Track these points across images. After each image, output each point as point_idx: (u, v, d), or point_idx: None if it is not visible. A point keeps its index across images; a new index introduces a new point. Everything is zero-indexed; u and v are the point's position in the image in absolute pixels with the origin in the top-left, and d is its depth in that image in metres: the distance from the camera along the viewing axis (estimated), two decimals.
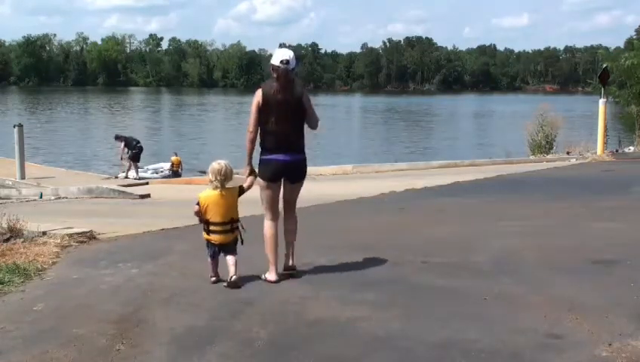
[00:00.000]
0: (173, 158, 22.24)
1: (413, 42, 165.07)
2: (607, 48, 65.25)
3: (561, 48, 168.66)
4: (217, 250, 4.66)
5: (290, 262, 4.90)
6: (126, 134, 20.94)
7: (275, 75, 4.60)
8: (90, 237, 6.26)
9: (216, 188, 4.59)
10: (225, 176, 4.57)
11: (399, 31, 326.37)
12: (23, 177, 15.84)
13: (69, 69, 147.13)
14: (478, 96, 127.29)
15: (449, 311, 3.96)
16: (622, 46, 54.89)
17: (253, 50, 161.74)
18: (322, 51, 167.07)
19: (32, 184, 15.03)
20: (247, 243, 5.14)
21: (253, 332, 3.68)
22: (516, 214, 7.64)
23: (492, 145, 28.23)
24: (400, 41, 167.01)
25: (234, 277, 4.52)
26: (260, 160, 4.71)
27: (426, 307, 4.08)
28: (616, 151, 17.26)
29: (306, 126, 4.77)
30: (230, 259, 4.59)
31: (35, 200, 12.73)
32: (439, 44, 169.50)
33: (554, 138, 19.33)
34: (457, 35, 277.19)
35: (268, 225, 4.79)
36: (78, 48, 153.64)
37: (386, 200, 9.12)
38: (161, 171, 21.71)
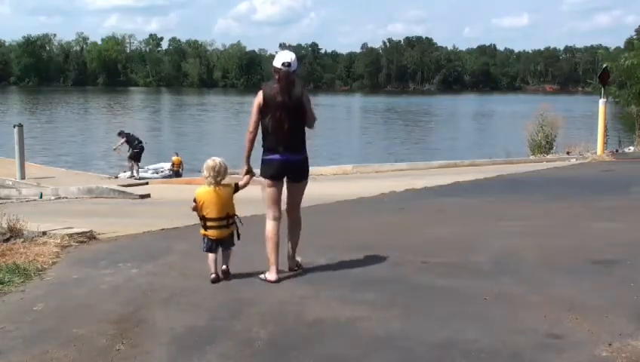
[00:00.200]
0: (174, 158, 22.27)
1: (413, 42, 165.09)
2: (607, 48, 65.30)
3: (561, 48, 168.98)
4: (214, 245, 4.76)
5: (290, 268, 4.94)
6: (130, 132, 20.91)
7: (276, 77, 4.68)
8: (90, 237, 6.26)
9: (210, 184, 4.70)
10: (218, 173, 4.67)
11: (399, 31, 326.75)
12: (23, 177, 15.84)
13: (69, 69, 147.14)
14: (478, 96, 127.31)
15: (449, 311, 3.96)
16: (622, 46, 54.90)
17: (253, 50, 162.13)
18: (322, 51, 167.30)
19: (32, 184, 15.03)
20: (247, 243, 5.15)
21: (253, 332, 3.68)
22: (516, 214, 7.64)
23: (492, 145, 28.21)
24: (400, 41, 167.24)
25: (224, 266, 4.74)
26: (262, 160, 4.79)
27: (426, 307, 4.08)
28: (616, 151, 17.27)
29: None
30: (225, 253, 4.78)
31: (35, 200, 12.72)
32: (439, 44, 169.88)
33: (554, 138, 19.34)
34: (457, 35, 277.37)
35: (269, 225, 4.84)
36: (78, 48, 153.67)
37: (386, 200, 9.12)
38: (162, 171, 21.73)
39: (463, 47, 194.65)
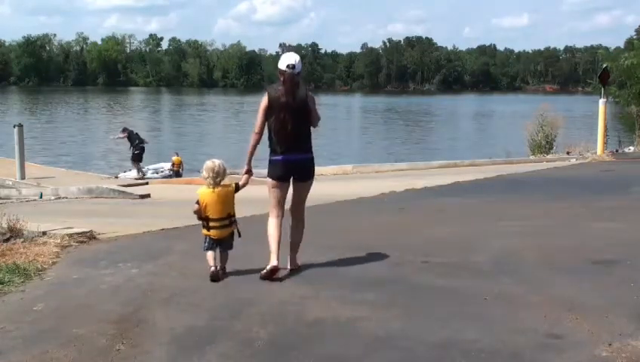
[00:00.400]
0: (174, 158, 22.28)
1: (413, 42, 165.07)
2: (607, 48, 65.29)
3: (561, 48, 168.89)
4: (215, 244, 4.86)
5: (291, 266, 4.96)
6: (134, 131, 20.89)
7: (281, 79, 4.78)
8: (90, 237, 6.26)
9: (209, 185, 4.80)
10: (217, 174, 4.78)
11: (399, 31, 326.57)
12: (23, 177, 15.83)
13: (69, 69, 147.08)
14: (478, 96, 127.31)
15: (449, 311, 3.96)
16: (622, 46, 54.90)
17: (253, 50, 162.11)
18: (322, 51, 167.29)
19: (32, 184, 15.02)
20: (247, 243, 5.18)
21: (253, 332, 3.68)
22: (516, 214, 7.64)
23: (492, 145, 28.20)
24: (400, 41, 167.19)
25: (220, 270, 4.82)
26: (269, 160, 4.90)
27: (426, 307, 4.08)
28: (616, 151, 17.27)
29: None
30: (223, 255, 4.88)
31: (35, 200, 12.72)
32: (439, 44, 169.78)
33: (554, 138, 19.34)
34: (457, 35, 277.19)
35: (271, 223, 4.92)
36: (78, 48, 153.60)
37: (386, 200, 9.12)
38: (162, 171, 21.73)
39: (463, 47, 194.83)
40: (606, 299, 4.07)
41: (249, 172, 4.95)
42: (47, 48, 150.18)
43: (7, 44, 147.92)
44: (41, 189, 13.70)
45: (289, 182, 4.90)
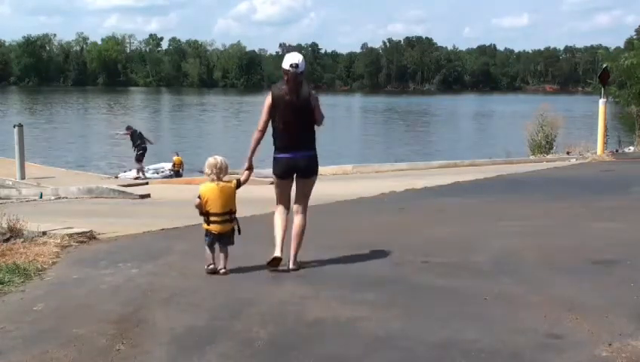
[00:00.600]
0: (175, 158, 22.33)
1: (413, 42, 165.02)
2: (607, 48, 65.33)
3: (561, 48, 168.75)
4: (215, 239, 4.92)
5: (292, 265, 4.98)
6: (138, 131, 20.92)
7: (285, 78, 4.88)
8: (90, 237, 6.26)
9: (212, 180, 4.88)
10: (220, 170, 4.87)
11: (399, 31, 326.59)
12: (23, 177, 15.83)
13: (69, 69, 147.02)
14: (478, 96, 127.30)
15: (449, 311, 3.96)
16: (622, 46, 54.92)
17: (253, 50, 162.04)
18: (322, 51, 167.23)
19: (32, 184, 15.01)
20: (247, 243, 5.19)
21: (253, 332, 3.68)
22: (516, 214, 7.64)
23: (492, 145, 28.20)
24: (400, 41, 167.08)
25: (222, 270, 4.88)
26: (273, 158, 5.02)
27: (426, 307, 4.08)
28: (616, 151, 17.27)
29: None
30: (223, 250, 4.92)
31: (35, 200, 12.71)
32: (439, 44, 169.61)
33: (554, 138, 19.33)
34: (457, 35, 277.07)
35: (277, 218, 5.05)
36: (78, 48, 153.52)
37: (386, 200, 9.12)
38: (162, 171, 21.75)
39: (463, 47, 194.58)
40: (606, 299, 4.07)
41: (250, 168, 5.02)
42: (47, 48, 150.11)
43: (7, 44, 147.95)
44: (41, 189, 13.70)
45: (292, 178, 5.01)
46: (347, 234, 6.42)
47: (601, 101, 15.77)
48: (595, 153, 15.81)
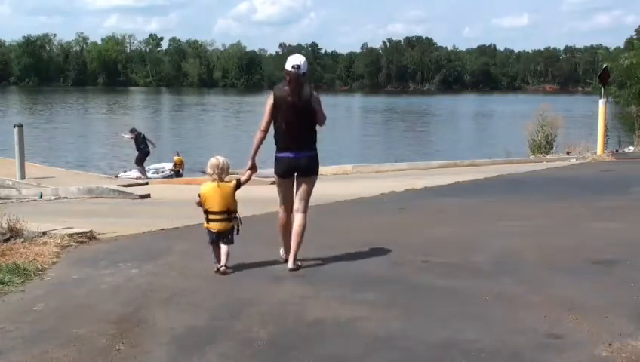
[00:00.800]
0: (176, 158, 22.36)
1: (413, 42, 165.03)
2: (607, 48, 65.36)
3: (561, 48, 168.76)
4: (215, 237, 4.99)
5: (291, 265, 5.00)
6: (142, 133, 20.94)
7: (287, 79, 4.95)
8: (90, 237, 6.26)
9: (214, 180, 4.97)
10: (222, 170, 4.96)
11: (399, 31, 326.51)
12: (23, 177, 15.81)
13: (69, 69, 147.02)
14: (478, 96, 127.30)
15: (449, 311, 3.96)
16: (622, 46, 54.93)
17: (253, 50, 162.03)
18: (322, 51, 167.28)
19: (32, 184, 15.00)
20: (247, 243, 5.21)
21: (253, 332, 3.68)
22: (516, 214, 7.64)
23: (492, 145, 28.19)
24: (400, 41, 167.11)
25: (222, 267, 4.93)
26: (275, 157, 5.11)
27: (426, 307, 4.08)
28: (616, 151, 17.27)
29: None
30: (224, 248, 4.97)
31: (35, 200, 12.71)
32: (439, 44, 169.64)
33: (554, 138, 19.33)
34: (457, 35, 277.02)
35: (281, 216, 5.17)
36: (78, 48, 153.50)
37: (386, 201, 9.12)
38: (162, 171, 21.78)
39: (463, 47, 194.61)
40: (606, 299, 4.07)
41: (252, 168, 5.06)
42: (47, 48, 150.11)
43: (7, 44, 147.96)
44: (41, 189, 13.69)
45: (294, 178, 5.09)
46: (347, 234, 6.42)
47: (601, 101, 15.77)
48: (595, 153, 15.80)
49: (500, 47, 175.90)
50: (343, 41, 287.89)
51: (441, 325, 3.71)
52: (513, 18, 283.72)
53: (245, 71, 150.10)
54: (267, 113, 5.01)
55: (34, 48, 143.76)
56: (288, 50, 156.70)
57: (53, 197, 12.83)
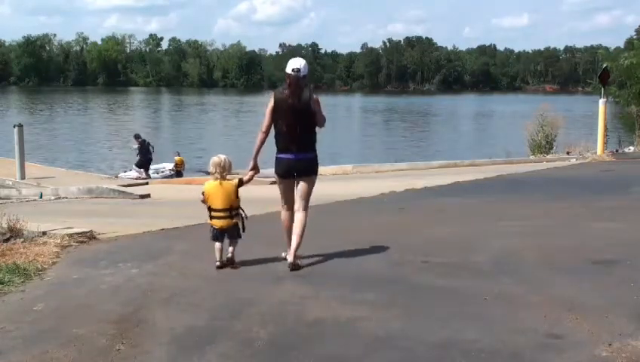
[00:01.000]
0: (177, 158, 22.41)
1: (413, 42, 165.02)
2: (607, 48, 65.37)
3: (561, 48, 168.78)
4: (219, 234, 5.11)
5: (290, 258, 5.04)
6: (146, 140, 21.19)
7: (287, 82, 5.07)
8: (90, 237, 6.26)
9: (216, 178, 5.09)
10: (224, 168, 5.08)
11: (399, 31, 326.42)
12: (23, 177, 15.82)
13: (69, 69, 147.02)
14: (478, 96, 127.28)
15: (449, 311, 3.96)
16: (622, 46, 54.95)
17: (253, 50, 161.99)
18: (322, 51, 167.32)
19: (32, 184, 15.01)
20: (247, 242, 5.22)
21: (253, 332, 3.68)
22: (516, 214, 7.64)
23: (492, 145, 28.19)
24: (400, 41, 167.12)
25: (229, 255, 5.11)
26: (275, 158, 5.21)
27: (426, 307, 4.08)
28: (616, 151, 17.27)
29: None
30: (230, 244, 5.13)
31: (35, 200, 12.71)
32: (439, 44, 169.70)
33: (554, 138, 19.32)
34: (457, 35, 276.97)
35: (283, 215, 5.29)
36: (78, 48, 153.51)
37: (386, 201, 9.12)
38: (162, 171, 21.81)
39: (463, 47, 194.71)
40: (606, 299, 4.07)
41: (255, 168, 5.19)
42: (47, 48, 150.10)
43: (7, 44, 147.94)
44: (41, 189, 13.70)
45: (293, 177, 5.18)
46: (347, 234, 6.42)
47: (601, 101, 15.76)
48: (595, 153, 15.80)
49: (500, 47, 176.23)
50: (343, 41, 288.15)
51: (441, 325, 3.71)
52: (513, 18, 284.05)
53: (245, 71, 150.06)
54: (268, 115, 5.13)
55: (34, 48, 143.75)
56: (288, 50, 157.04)
57: (53, 197, 12.83)
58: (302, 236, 5.09)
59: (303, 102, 5.06)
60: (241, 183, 5.14)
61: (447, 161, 17.35)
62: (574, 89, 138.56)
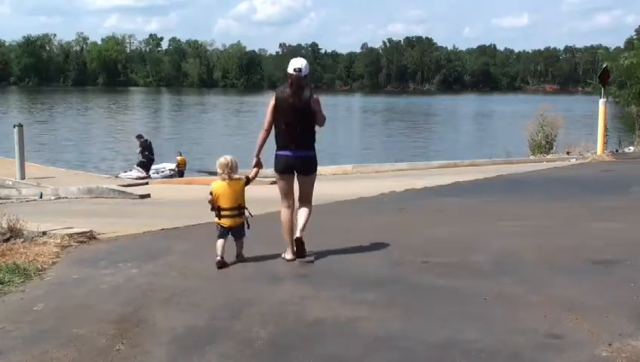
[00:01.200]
0: (179, 158, 22.43)
1: (413, 42, 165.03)
2: (607, 48, 65.35)
3: (561, 48, 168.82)
4: (226, 232, 5.22)
5: (298, 233, 5.22)
6: (148, 141, 21.22)
7: (289, 82, 5.18)
8: (90, 237, 6.26)
9: (224, 179, 5.20)
10: (231, 169, 5.19)
11: (399, 31, 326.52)
12: (23, 177, 15.83)
13: (69, 69, 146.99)
14: (478, 96, 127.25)
15: (449, 311, 3.96)
16: (622, 46, 54.95)
17: (253, 50, 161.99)
18: (322, 51, 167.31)
19: (32, 184, 15.02)
20: (247, 242, 5.23)
21: (253, 332, 3.68)
22: (516, 214, 7.63)
23: (492, 145, 28.18)
24: (400, 41, 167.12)
25: (237, 252, 5.27)
26: (275, 155, 5.31)
27: (426, 307, 4.08)
28: (616, 151, 17.26)
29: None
30: (238, 241, 5.27)
31: (35, 200, 12.72)
32: (439, 44, 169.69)
33: (554, 138, 19.32)
34: (457, 35, 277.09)
35: (283, 212, 5.35)
36: (78, 48, 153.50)
37: (386, 200, 9.12)
38: (162, 171, 21.83)
39: (463, 47, 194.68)
40: (606, 299, 4.07)
41: (258, 165, 5.33)
42: (47, 48, 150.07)
43: (7, 44, 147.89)
44: (41, 189, 13.71)
45: (293, 174, 5.30)
46: (347, 234, 6.42)
47: (601, 101, 15.76)
48: (595, 153, 15.80)
49: (500, 47, 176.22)
50: (343, 41, 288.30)
51: (441, 325, 3.71)
52: (513, 18, 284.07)
53: (245, 71, 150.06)
54: (269, 114, 5.23)
55: (34, 48, 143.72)
56: (288, 50, 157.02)
57: (53, 197, 12.84)
58: (308, 220, 5.27)
59: (304, 102, 5.15)
60: (248, 181, 5.28)
61: (447, 161, 17.35)
62: (574, 89, 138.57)
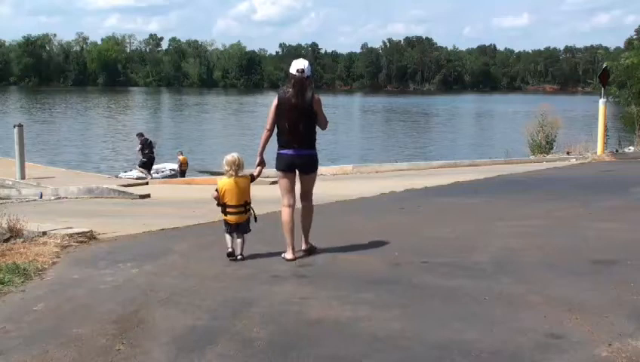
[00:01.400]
0: (181, 158, 22.45)
1: (413, 42, 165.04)
2: (607, 48, 65.43)
3: (561, 48, 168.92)
4: (232, 228, 5.35)
5: (304, 246, 5.40)
6: (148, 139, 21.16)
7: (291, 82, 5.27)
8: (90, 237, 6.26)
9: (230, 176, 5.31)
10: (238, 166, 5.31)
11: (399, 31, 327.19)
12: (23, 177, 15.82)
13: (69, 69, 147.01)
14: (478, 96, 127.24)
15: (449, 311, 3.96)
16: (622, 46, 54.99)
17: (253, 50, 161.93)
18: (322, 51, 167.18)
19: (32, 184, 15.00)
20: (247, 242, 5.23)
21: (253, 332, 3.68)
22: (516, 214, 7.63)
23: (492, 145, 28.22)
24: (400, 41, 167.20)
25: (239, 256, 5.32)
26: (277, 154, 5.41)
27: (426, 307, 4.08)
28: (616, 151, 17.26)
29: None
30: (240, 239, 5.35)
31: (35, 200, 12.72)
32: (439, 44, 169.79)
33: (554, 138, 19.34)
34: (457, 35, 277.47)
35: (284, 211, 5.40)
36: (78, 48, 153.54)
37: (386, 200, 9.12)
38: (162, 171, 21.85)
39: (463, 47, 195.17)
40: (606, 299, 4.07)
41: (262, 163, 5.42)
42: (47, 48, 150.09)
43: (7, 44, 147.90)
44: (41, 189, 13.70)
45: (294, 173, 5.40)
46: (347, 234, 6.41)
47: (601, 101, 15.77)
48: (595, 153, 15.80)
49: (500, 47, 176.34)
50: (343, 41, 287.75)
51: (441, 325, 3.71)
52: (513, 18, 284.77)
53: (245, 71, 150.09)
54: (272, 114, 5.33)
55: (34, 48, 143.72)
56: (288, 50, 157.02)
57: (53, 197, 12.83)
58: (311, 221, 5.45)
59: (305, 102, 5.24)
60: (252, 178, 5.41)
61: (447, 161, 17.38)
62: (574, 89, 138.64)
